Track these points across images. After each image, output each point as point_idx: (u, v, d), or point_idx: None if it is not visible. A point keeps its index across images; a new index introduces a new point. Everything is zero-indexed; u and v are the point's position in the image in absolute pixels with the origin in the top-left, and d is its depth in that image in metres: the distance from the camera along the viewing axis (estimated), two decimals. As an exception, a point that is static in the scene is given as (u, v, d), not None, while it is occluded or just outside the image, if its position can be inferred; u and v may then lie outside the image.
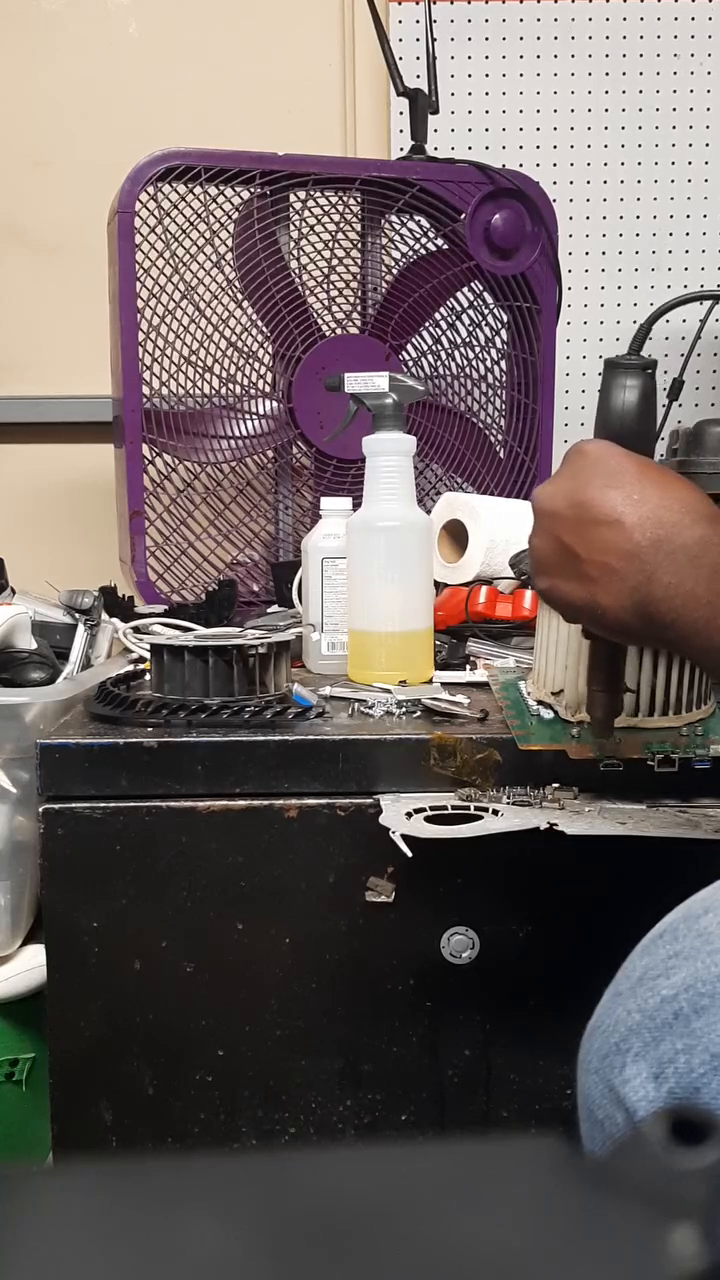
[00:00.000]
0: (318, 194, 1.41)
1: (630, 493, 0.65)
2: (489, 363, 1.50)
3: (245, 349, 1.40)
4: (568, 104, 1.70)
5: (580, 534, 0.67)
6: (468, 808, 0.85)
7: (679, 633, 0.64)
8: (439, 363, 1.50)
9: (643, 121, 1.71)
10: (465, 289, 1.47)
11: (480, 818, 0.84)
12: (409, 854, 0.81)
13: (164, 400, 1.36)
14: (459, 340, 1.50)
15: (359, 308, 1.46)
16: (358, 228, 1.45)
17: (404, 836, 0.81)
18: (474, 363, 1.50)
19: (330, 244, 1.43)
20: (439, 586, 1.21)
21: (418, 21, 1.62)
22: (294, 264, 1.41)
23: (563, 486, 0.68)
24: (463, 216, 1.41)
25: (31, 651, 1.14)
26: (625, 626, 0.67)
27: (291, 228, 1.41)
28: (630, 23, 1.69)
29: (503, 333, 1.49)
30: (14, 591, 1.31)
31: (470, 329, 1.49)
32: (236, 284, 1.39)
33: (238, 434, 1.39)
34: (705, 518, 0.64)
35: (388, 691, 0.98)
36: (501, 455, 1.51)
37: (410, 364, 1.48)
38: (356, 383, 1.04)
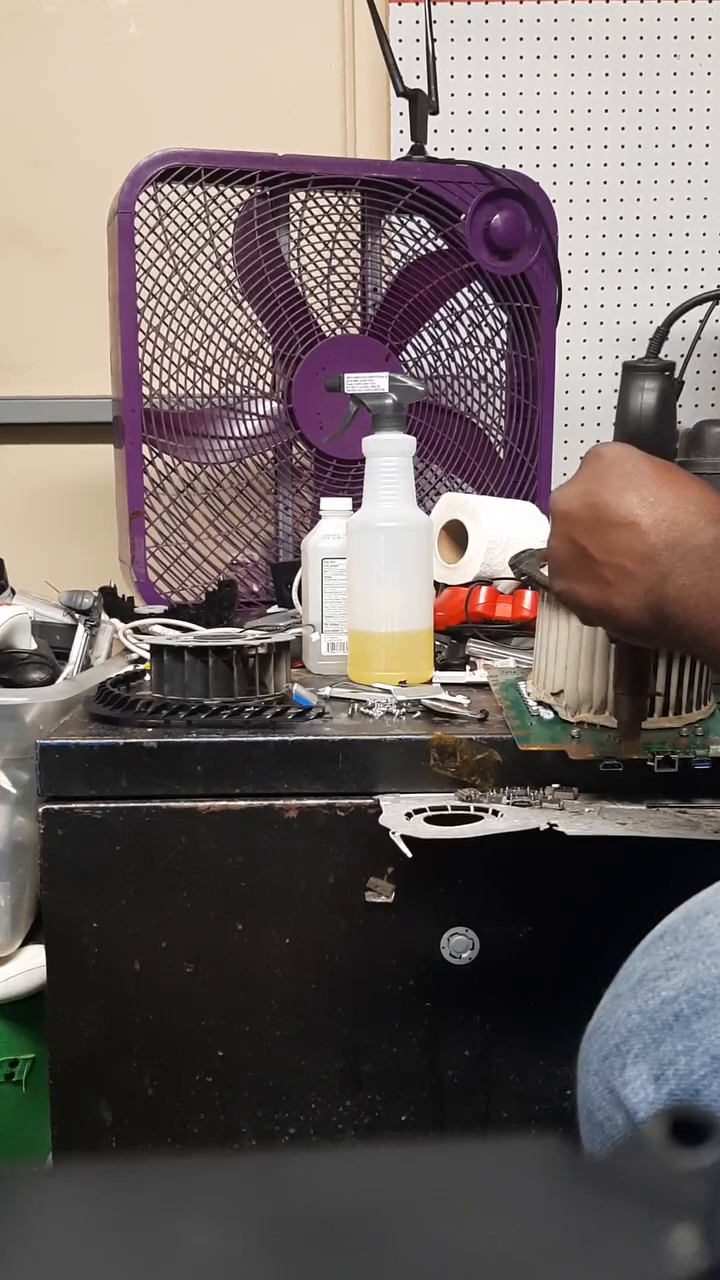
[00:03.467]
0: (318, 194, 1.41)
1: (646, 495, 0.65)
2: (489, 363, 1.50)
3: (245, 349, 1.40)
4: (568, 104, 1.70)
5: (596, 536, 0.67)
6: (468, 808, 0.85)
7: (692, 634, 0.65)
8: (439, 363, 1.50)
9: (643, 121, 1.71)
10: (465, 289, 1.47)
11: (480, 818, 0.84)
12: (409, 854, 0.81)
13: (164, 400, 1.36)
14: (459, 341, 1.50)
15: (359, 308, 1.46)
16: (358, 228, 1.45)
17: (404, 837, 0.81)
18: (474, 363, 1.50)
19: (330, 244, 1.43)
20: (439, 587, 1.21)
21: (418, 22, 1.62)
22: (294, 264, 1.41)
23: (580, 489, 0.68)
24: (463, 217, 1.41)
25: (31, 652, 1.14)
26: (640, 628, 0.67)
27: (291, 228, 1.41)
28: (630, 23, 1.69)
29: (502, 333, 1.49)
30: (14, 591, 1.31)
31: (470, 329, 1.49)
32: (236, 284, 1.39)
33: (238, 434, 1.39)
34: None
35: (388, 692, 0.98)
36: (501, 456, 1.51)
37: (410, 364, 1.48)
38: (356, 383, 1.04)
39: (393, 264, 1.47)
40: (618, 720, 0.81)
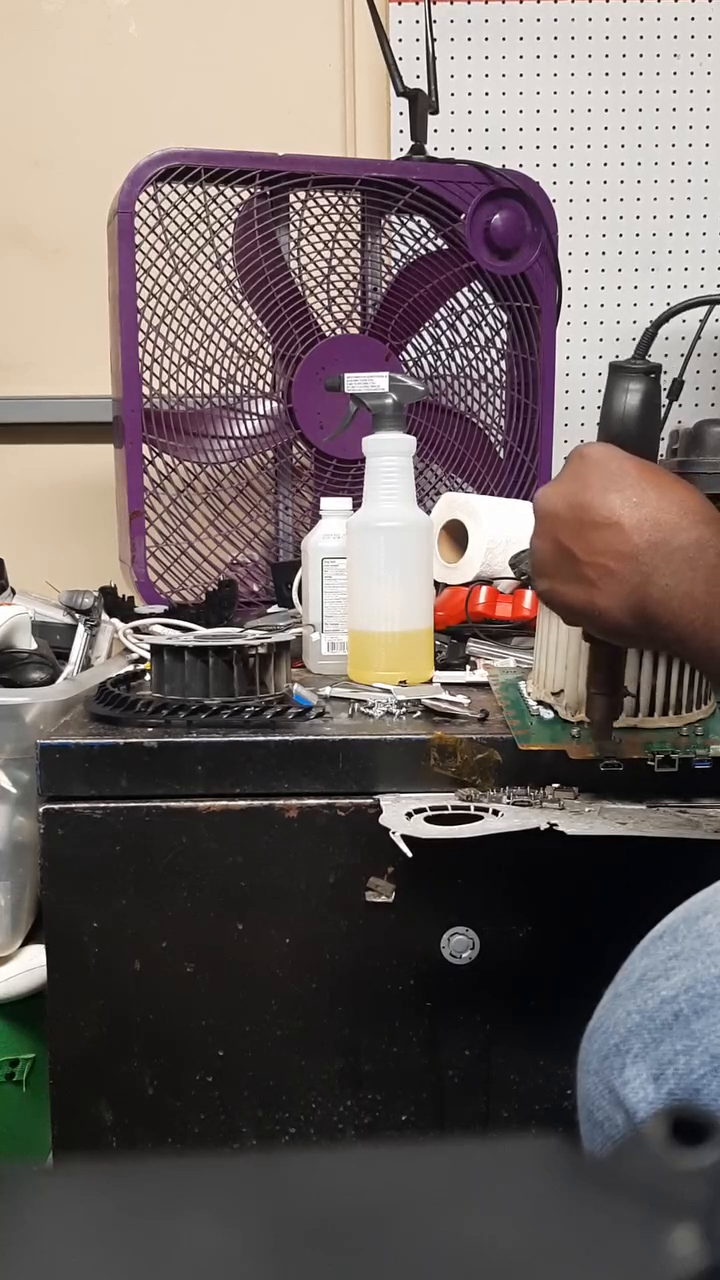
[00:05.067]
0: (318, 194, 1.41)
1: (630, 495, 0.65)
2: (489, 363, 1.50)
3: (245, 349, 1.40)
4: (568, 104, 1.70)
5: (579, 536, 0.67)
6: (468, 808, 0.85)
7: (676, 634, 0.65)
8: (439, 363, 1.50)
9: (643, 121, 1.71)
10: (465, 289, 1.47)
11: (480, 818, 0.84)
12: (409, 854, 0.81)
13: (164, 400, 1.36)
14: (459, 340, 1.50)
15: (359, 308, 1.46)
16: (358, 228, 1.45)
17: (404, 836, 0.81)
18: (474, 363, 1.50)
19: (330, 244, 1.43)
20: (439, 586, 1.21)
21: (418, 21, 1.62)
22: (294, 264, 1.41)
23: (563, 489, 0.69)
24: (463, 216, 1.41)
25: (31, 652, 1.14)
26: (623, 628, 0.67)
27: (291, 228, 1.41)
28: (630, 23, 1.69)
29: (503, 333, 1.49)
30: (14, 591, 1.31)
31: (470, 329, 1.49)
32: (236, 284, 1.39)
33: (238, 434, 1.39)
34: (703, 520, 0.65)
35: (388, 691, 0.98)
36: (501, 455, 1.51)
37: (410, 364, 1.48)
38: (356, 383, 1.04)
39: (393, 264, 1.47)
40: (590, 719, 0.81)
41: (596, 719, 0.80)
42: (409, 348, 1.48)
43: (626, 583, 0.65)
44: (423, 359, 1.49)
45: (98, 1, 1.69)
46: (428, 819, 0.84)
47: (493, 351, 1.50)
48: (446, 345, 1.49)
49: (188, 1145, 0.92)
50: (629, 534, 0.65)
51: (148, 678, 1.01)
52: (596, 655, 0.78)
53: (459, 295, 1.47)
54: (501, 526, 1.24)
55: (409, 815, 0.84)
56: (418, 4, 1.64)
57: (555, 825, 0.81)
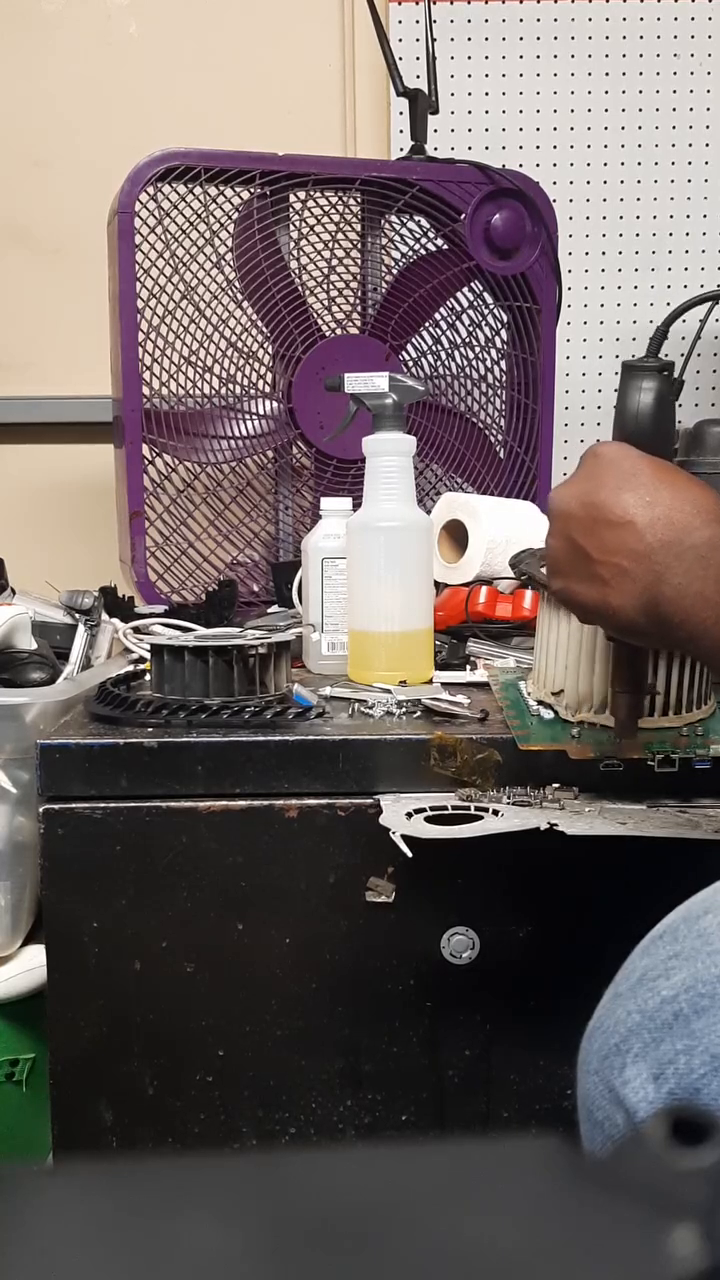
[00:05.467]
0: (318, 194, 1.41)
1: (643, 495, 0.66)
2: (489, 363, 1.50)
3: (245, 349, 1.40)
4: (568, 104, 1.70)
5: (593, 535, 0.67)
6: (468, 808, 0.85)
7: (688, 633, 0.65)
8: (439, 363, 1.50)
9: (643, 121, 1.71)
10: (465, 289, 1.47)
11: (480, 818, 0.84)
12: (409, 854, 0.81)
13: (164, 400, 1.36)
14: (459, 340, 1.50)
15: (359, 308, 1.46)
16: (358, 228, 1.45)
17: (404, 836, 0.81)
18: (474, 363, 1.50)
19: (330, 244, 1.43)
20: (439, 586, 1.21)
21: (418, 21, 1.62)
22: (294, 264, 1.41)
23: (578, 488, 0.69)
24: (463, 216, 1.41)
25: (31, 652, 1.14)
26: (636, 627, 0.67)
27: (291, 228, 1.41)
28: (630, 23, 1.69)
29: (503, 333, 1.49)
30: (14, 591, 1.31)
31: (470, 329, 1.49)
32: (236, 284, 1.39)
33: (238, 434, 1.39)
34: (716, 519, 0.65)
35: (388, 691, 0.98)
36: (501, 455, 1.51)
37: (410, 364, 1.48)
38: (356, 383, 1.04)
39: (393, 264, 1.47)
40: (615, 719, 0.81)
41: (621, 717, 0.80)
42: (409, 348, 1.48)
43: (639, 581, 0.65)
44: (423, 359, 1.49)
45: (98, 1, 1.69)
46: (428, 819, 0.84)
47: (493, 351, 1.50)
48: (446, 345, 1.49)
49: (188, 1145, 0.92)
50: (642, 533, 0.65)
51: (148, 678, 1.01)
52: (619, 654, 0.79)
53: (459, 295, 1.47)
54: (501, 526, 1.24)
55: (409, 815, 0.84)
56: (418, 4, 1.63)
57: (555, 825, 0.81)
